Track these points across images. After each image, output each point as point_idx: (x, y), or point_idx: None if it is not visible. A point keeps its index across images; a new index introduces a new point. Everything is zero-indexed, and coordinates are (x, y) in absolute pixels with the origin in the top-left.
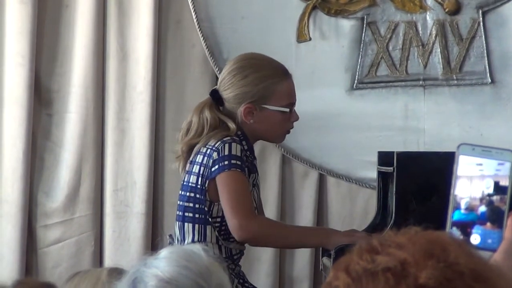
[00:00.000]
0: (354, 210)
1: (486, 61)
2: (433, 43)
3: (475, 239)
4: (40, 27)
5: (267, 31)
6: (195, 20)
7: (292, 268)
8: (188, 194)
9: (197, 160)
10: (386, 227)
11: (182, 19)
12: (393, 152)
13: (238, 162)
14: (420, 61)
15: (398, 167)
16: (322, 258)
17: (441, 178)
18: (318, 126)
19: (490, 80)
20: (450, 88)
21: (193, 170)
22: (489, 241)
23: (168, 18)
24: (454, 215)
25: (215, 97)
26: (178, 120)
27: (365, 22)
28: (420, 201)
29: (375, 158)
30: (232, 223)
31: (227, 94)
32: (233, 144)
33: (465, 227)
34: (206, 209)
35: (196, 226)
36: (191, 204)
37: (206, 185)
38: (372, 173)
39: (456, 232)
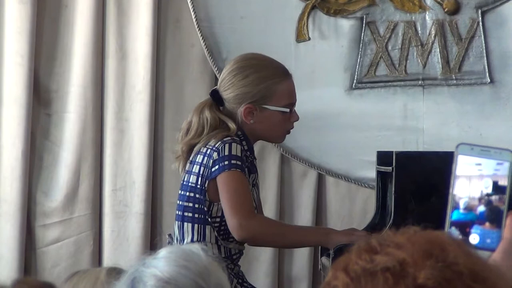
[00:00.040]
0: (353, 209)
1: (485, 61)
2: (432, 43)
3: (474, 239)
4: (39, 27)
5: (266, 31)
6: (194, 20)
7: (291, 268)
8: (187, 193)
9: (197, 160)
10: (385, 227)
11: (181, 18)
12: (392, 152)
13: (238, 162)
14: (419, 61)
15: (397, 167)
16: (321, 257)
17: (440, 177)
18: (317, 126)
19: (489, 80)
20: (449, 88)
21: (193, 170)
22: (488, 240)
23: (167, 17)
24: (453, 215)
25: (215, 97)
26: (177, 119)
27: (364, 22)
28: (419, 200)
29: (374, 158)
30: (232, 222)
31: (228, 94)
32: (233, 144)
33: (464, 227)
34: (205, 209)
35: (196, 226)
36: (190, 204)
37: (206, 185)
38: (371, 173)
39: (455, 232)
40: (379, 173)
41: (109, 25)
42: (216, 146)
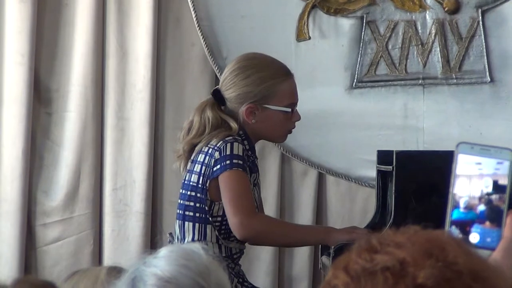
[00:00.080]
0: (353, 209)
1: (486, 60)
2: (433, 42)
3: (474, 238)
4: (39, 26)
5: (267, 30)
6: (194, 19)
7: (291, 267)
8: (189, 193)
9: (198, 159)
10: (385, 226)
11: (181, 17)
12: (392, 151)
13: (240, 162)
14: (419, 60)
15: (398, 166)
16: (321, 257)
17: (440, 177)
18: (317, 125)
19: (489, 79)
20: (449, 87)
21: (195, 169)
22: (488, 239)
23: (168, 16)
24: (453, 214)
25: (217, 97)
26: (178, 118)
27: (364, 21)
28: (419, 200)
29: (374, 157)
30: (233, 221)
31: (229, 94)
32: (235, 144)
33: (464, 226)
34: (206, 208)
35: (197, 225)
36: (191, 203)
37: (207, 184)
38: (371, 172)
39: (455, 231)
40: (379, 172)
41: (109, 24)
42: (218, 145)
